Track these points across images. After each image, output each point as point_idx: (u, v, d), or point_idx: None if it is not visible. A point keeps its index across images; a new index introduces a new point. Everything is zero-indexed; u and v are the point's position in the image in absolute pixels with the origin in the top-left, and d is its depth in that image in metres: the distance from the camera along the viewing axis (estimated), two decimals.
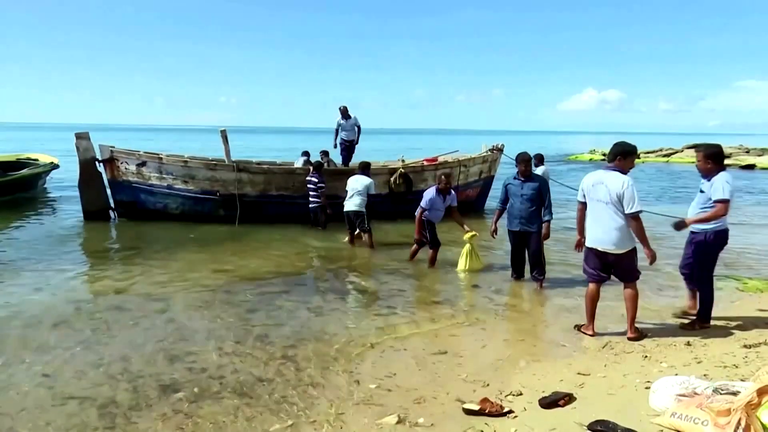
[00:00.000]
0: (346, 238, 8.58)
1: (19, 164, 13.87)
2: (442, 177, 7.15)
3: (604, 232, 4.37)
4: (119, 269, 7.00)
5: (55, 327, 4.83)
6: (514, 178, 6.18)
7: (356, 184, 8.34)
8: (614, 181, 4.29)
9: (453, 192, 7.27)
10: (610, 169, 4.38)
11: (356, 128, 11.65)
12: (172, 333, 4.73)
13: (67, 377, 3.84)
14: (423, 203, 7.04)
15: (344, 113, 11.58)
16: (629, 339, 4.47)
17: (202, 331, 4.79)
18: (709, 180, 4.46)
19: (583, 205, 4.57)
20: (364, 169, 8.77)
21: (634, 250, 4.42)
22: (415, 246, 7.35)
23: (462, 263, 6.91)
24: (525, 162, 6.10)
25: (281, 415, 3.31)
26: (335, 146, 11.87)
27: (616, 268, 4.51)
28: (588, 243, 4.54)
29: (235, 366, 4.05)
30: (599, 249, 4.44)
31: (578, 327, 4.78)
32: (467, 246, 6.91)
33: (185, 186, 9.98)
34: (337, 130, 11.70)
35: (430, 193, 7.06)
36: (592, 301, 4.63)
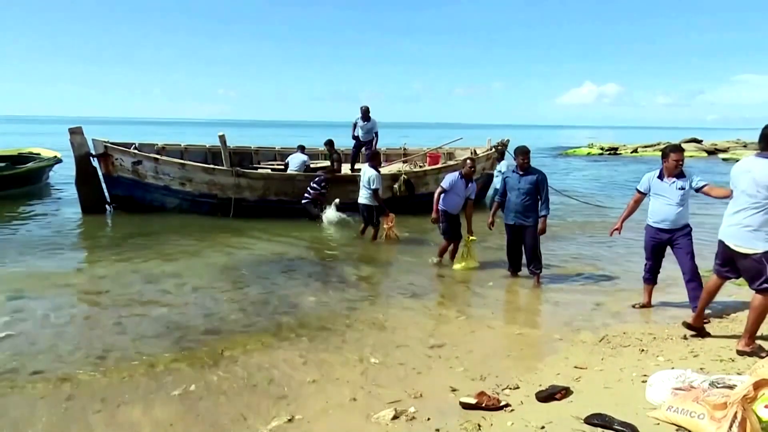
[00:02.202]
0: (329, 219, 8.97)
1: (22, 158, 13.87)
2: (468, 161, 6.88)
3: (734, 226, 3.86)
4: (131, 254, 7.34)
5: (101, 295, 5.63)
6: (513, 171, 6.14)
7: (363, 177, 8.32)
8: (763, 169, 3.70)
9: (474, 183, 6.96)
10: (761, 156, 3.77)
11: (374, 134, 11.38)
12: (198, 299, 5.55)
13: (144, 325, 4.79)
14: (444, 184, 6.72)
15: (365, 114, 11.34)
16: (738, 352, 3.90)
17: (221, 300, 5.54)
18: (679, 177, 4.83)
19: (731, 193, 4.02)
20: (370, 159, 8.64)
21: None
22: (445, 242, 7.03)
23: (458, 263, 6.82)
24: (523, 154, 6.04)
25: (279, 406, 3.33)
26: (353, 138, 11.69)
27: (741, 269, 3.92)
28: (719, 234, 4.05)
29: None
30: (724, 243, 3.96)
31: (687, 324, 4.33)
32: (464, 248, 6.83)
33: (182, 188, 9.90)
34: (354, 125, 11.50)
35: (452, 176, 6.75)
36: (708, 294, 4.24)
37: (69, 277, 6.31)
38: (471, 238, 6.84)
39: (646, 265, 5.21)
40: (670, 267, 5.11)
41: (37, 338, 4.44)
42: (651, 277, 5.21)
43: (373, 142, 11.45)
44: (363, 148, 11.54)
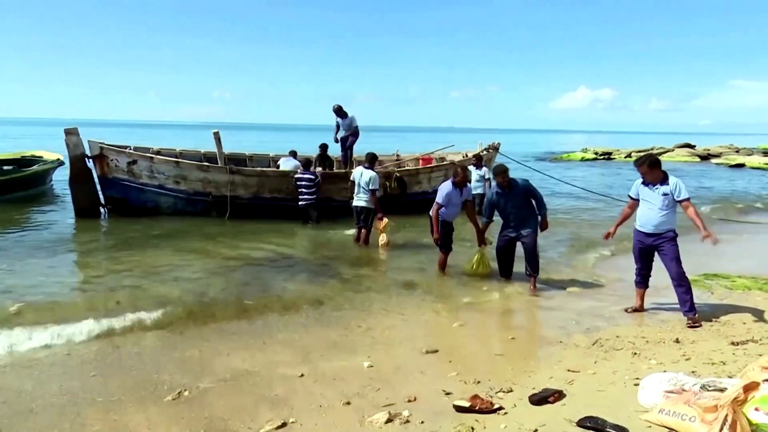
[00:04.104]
0: (351, 231, 8.53)
1: (26, 161, 13.91)
2: (459, 170, 6.64)
3: None
4: (136, 252, 7.52)
5: (95, 294, 5.76)
6: (497, 192, 6.07)
7: (361, 178, 8.06)
8: None
9: (469, 186, 6.84)
10: None
11: (353, 129, 11.13)
12: (189, 287, 5.94)
13: (157, 302, 5.38)
14: (439, 199, 6.45)
15: (338, 112, 11.07)
16: None
17: (213, 300, 5.67)
18: (663, 183, 4.87)
19: None
20: (369, 161, 8.34)
21: None
22: (441, 255, 6.74)
23: (469, 267, 6.59)
24: (502, 174, 5.99)
25: (272, 410, 3.33)
26: (336, 141, 11.52)
27: None
28: None
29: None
30: None
31: None
32: (478, 253, 6.56)
33: (177, 186, 9.88)
34: (337, 127, 11.35)
35: (446, 187, 6.47)
36: None
37: (62, 277, 6.33)
38: (485, 247, 6.60)
39: (636, 269, 5.27)
40: (663, 272, 5.14)
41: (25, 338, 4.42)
42: (642, 280, 5.26)
43: (349, 140, 11.13)
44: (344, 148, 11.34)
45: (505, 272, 6.40)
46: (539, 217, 6.11)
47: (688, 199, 4.87)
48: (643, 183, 5.03)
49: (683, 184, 4.95)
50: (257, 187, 10.03)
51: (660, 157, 5.35)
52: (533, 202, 6.08)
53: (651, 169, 4.89)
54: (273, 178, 10.23)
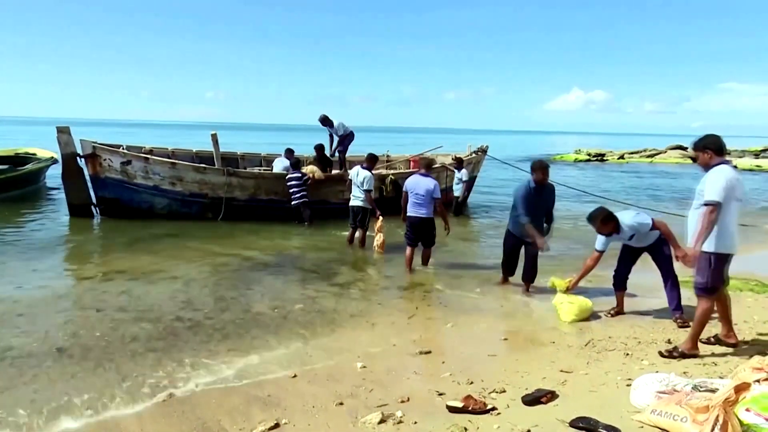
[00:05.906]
0: (346, 233, 8.44)
1: (20, 159, 13.84)
2: (426, 162, 7.27)
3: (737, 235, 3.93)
4: (127, 254, 7.52)
5: (85, 296, 5.79)
6: (532, 187, 5.70)
7: (356, 178, 8.04)
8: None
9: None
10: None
11: (345, 132, 11.09)
12: (183, 301, 5.61)
13: (146, 305, 5.44)
14: (439, 194, 6.77)
15: (323, 122, 11.02)
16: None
17: (206, 301, 5.50)
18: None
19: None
20: (367, 162, 8.26)
21: None
22: (426, 250, 6.94)
23: (569, 312, 5.09)
24: (544, 170, 5.71)
25: (264, 411, 3.31)
26: (332, 154, 11.46)
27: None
28: (730, 249, 3.92)
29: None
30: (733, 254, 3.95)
31: (716, 337, 4.35)
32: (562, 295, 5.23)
33: (172, 188, 9.82)
34: (331, 138, 11.35)
35: (434, 181, 6.79)
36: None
37: (47, 280, 6.23)
38: (567, 280, 5.35)
39: (616, 271, 5.25)
40: (656, 274, 5.16)
41: (13, 341, 4.38)
42: (619, 282, 5.24)
43: (341, 144, 11.15)
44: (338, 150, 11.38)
45: (510, 272, 6.30)
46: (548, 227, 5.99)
47: (652, 222, 4.90)
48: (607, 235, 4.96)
49: (640, 218, 4.91)
50: (254, 189, 10.01)
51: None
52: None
53: (604, 224, 4.87)
54: (270, 180, 10.22)
